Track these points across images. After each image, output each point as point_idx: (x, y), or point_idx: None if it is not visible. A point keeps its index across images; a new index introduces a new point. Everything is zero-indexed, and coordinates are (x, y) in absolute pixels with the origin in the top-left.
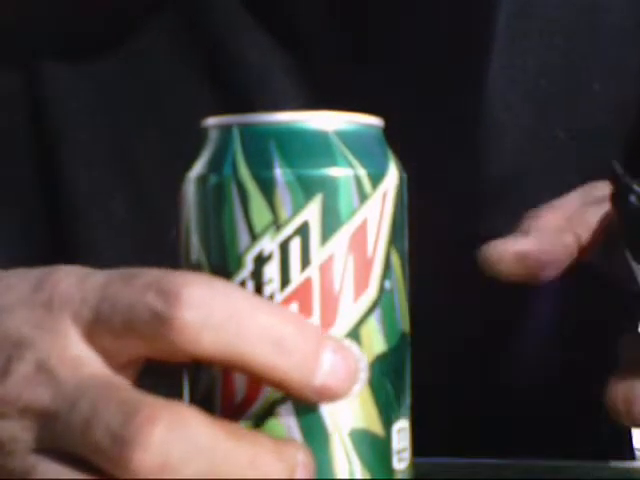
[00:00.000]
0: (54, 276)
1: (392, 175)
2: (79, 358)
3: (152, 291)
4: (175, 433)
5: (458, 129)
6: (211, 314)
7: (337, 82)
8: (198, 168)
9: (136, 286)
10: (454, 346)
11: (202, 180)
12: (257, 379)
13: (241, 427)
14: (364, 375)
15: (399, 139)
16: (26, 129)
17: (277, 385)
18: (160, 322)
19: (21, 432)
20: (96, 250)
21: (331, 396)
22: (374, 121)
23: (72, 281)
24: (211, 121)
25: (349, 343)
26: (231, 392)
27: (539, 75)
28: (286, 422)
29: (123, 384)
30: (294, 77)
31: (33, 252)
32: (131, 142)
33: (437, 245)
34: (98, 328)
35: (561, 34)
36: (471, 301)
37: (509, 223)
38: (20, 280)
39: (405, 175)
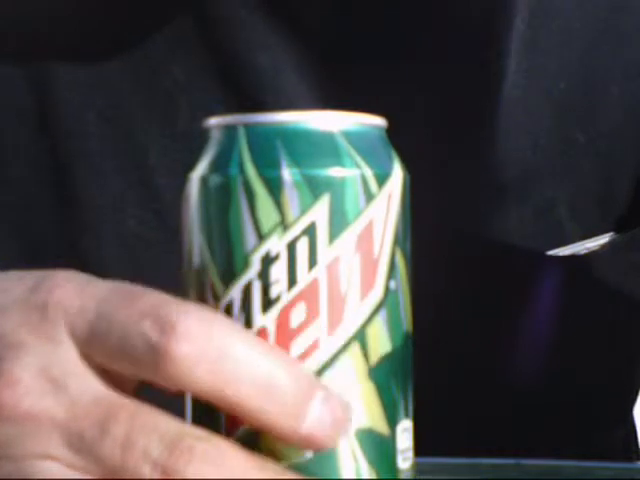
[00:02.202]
0: (51, 280)
1: (397, 175)
2: (82, 370)
3: (149, 319)
4: (212, 466)
5: (475, 130)
6: (206, 350)
7: (351, 83)
8: (202, 168)
9: (133, 310)
10: (455, 346)
11: (207, 180)
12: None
13: (274, 463)
14: (350, 426)
15: (412, 138)
16: (37, 141)
17: (263, 428)
18: (154, 353)
19: (20, 438)
20: (107, 264)
21: (316, 445)
22: (378, 121)
23: (70, 288)
24: (214, 121)
25: (337, 394)
26: None
27: (558, 77)
28: None
29: (146, 405)
30: (307, 79)
31: (43, 267)
32: (144, 152)
33: (445, 244)
34: (93, 345)
35: (581, 35)
36: (475, 300)
37: (524, 225)
38: (16, 282)
39: (409, 175)
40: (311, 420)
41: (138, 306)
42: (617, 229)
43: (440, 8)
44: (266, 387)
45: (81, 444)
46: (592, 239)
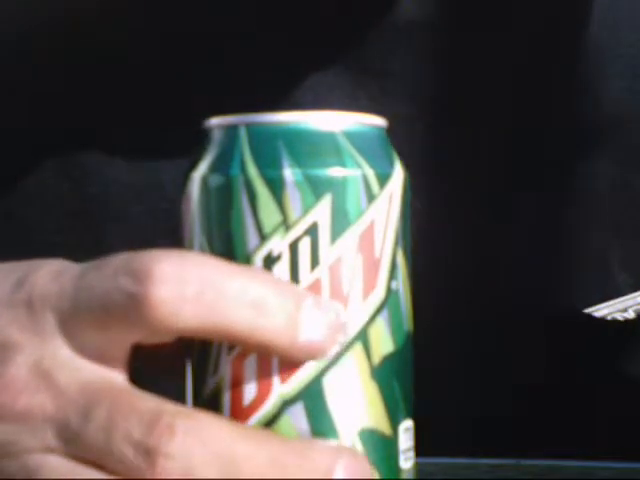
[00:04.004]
0: (34, 274)
1: (398, 175)
2: (72, 360)
3: (122, 273)
4: (195, 439)
5: (547, 172)
6: (186, 286)
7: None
8: (203, 168)
9: (108, 271)
10: (456, 346)
11: (208, 180)
12: (267, 369)
13: (260, 429)
14: (346, 329)
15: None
16: (57, 185)
17: (262, 348)
18: (135, 302)
19: (19, 436)
20: None
21: (316, 353)
22: (379, 122)
23: (49, 277)
24: (216, 121)
25: (328, 299)
26: (240, 392)
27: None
28: (296, 422)
29: (130, 388)
30: None
31: None
32: (173, 200)
33: (449, 246)
34: (80, 319)
35: None
36: (476, 302)
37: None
38: (2, 278)
39: (409, 176)
40: (306, 327)
41: (110, 267)
42: None
43: (505, 43)
44: (254, 306)
45: (69, 433)
46: None
